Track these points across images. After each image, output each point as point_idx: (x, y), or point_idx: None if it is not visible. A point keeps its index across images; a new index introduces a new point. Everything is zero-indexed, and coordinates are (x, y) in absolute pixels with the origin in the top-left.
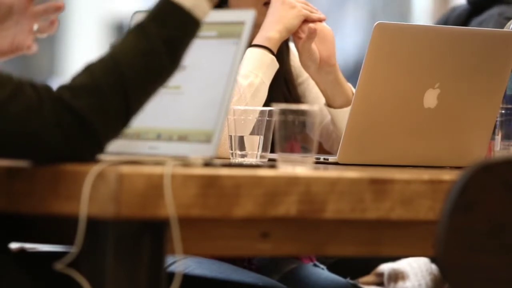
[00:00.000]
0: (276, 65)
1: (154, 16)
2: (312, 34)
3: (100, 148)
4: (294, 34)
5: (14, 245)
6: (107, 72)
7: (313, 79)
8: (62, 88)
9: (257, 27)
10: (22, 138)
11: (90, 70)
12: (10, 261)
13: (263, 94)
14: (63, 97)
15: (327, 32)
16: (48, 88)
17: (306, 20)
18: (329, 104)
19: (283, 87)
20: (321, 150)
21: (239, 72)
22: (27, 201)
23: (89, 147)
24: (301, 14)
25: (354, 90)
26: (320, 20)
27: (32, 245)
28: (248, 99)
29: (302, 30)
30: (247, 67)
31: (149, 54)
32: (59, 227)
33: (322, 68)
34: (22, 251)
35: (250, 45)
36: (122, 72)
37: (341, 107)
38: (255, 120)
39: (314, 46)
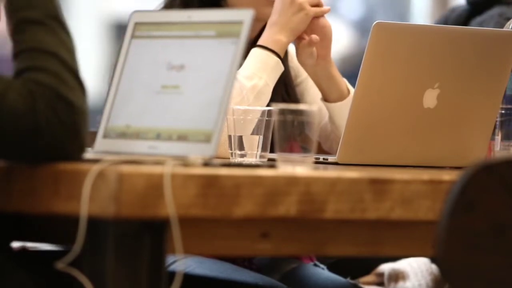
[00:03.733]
0: (281, 68)
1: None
2: (314, 42)
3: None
4: None
5: (15, 244)
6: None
7: (308, 73)
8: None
9: (260, 21)
10: (19, 135)
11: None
12: (11, 260)
13: (267, 97)
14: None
15: (327, 29)
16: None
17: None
18: (325, 99)
19: (281, 89)
20: (320, 150)
21: (238, 72)
22: (27, 201)
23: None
24: (309, 16)
25: (348, 85)
26: (324, 13)
27: (33, 244)
28: (250, 100)
29: (306, 32)
30: (251, 69)
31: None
32: (59, 227)
33: (318, 64)
34: (23, 250)
35: (252, 43)
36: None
37: (336, 101)
38: (255, 120)
39: None
